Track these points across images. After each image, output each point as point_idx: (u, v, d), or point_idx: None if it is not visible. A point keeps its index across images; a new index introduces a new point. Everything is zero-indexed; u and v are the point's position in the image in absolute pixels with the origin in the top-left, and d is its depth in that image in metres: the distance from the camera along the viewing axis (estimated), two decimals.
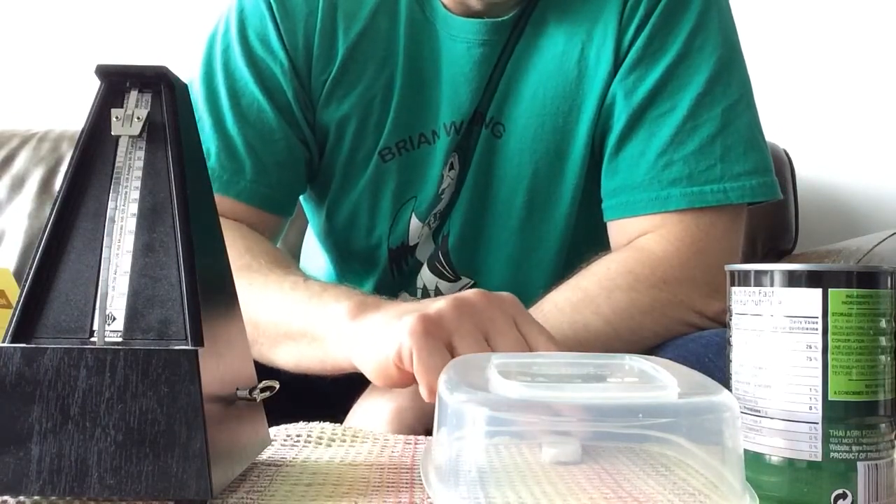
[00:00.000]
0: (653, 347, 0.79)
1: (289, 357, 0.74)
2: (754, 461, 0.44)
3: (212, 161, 0.87)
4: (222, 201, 0.83)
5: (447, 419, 0.41)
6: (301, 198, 1.00)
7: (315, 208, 1.00)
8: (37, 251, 0.42)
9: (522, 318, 0.63)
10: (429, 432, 0.54)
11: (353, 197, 0.94)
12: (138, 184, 0.43)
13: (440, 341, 0.59)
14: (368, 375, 0.64)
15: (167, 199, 0.43)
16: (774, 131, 1.46)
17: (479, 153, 0.90)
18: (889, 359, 0.45)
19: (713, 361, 0.70)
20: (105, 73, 0.44)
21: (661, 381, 0.43)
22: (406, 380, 0.61)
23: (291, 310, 0.74)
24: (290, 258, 0.89)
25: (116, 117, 0.43)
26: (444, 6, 0.88)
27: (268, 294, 0.76)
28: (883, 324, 0.44)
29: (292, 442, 0.56)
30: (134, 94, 0.44)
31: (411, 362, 0.58)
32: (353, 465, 0.51)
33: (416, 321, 0.59)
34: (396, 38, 0.88)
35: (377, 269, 0.96)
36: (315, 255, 1.05)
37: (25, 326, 0.42)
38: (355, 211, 0.94)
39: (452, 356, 0.58)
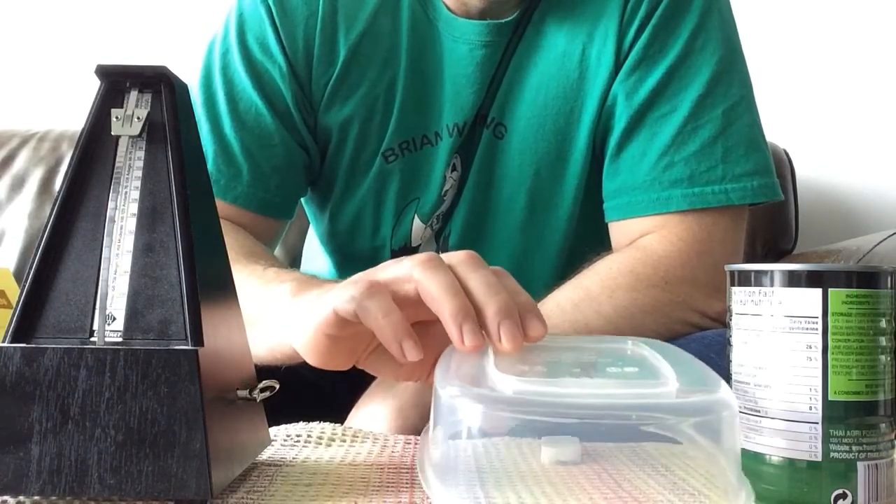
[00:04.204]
0: None
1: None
2: (754, 461, 0.44)
3: (209, 165, 0.87)
4: (219, 205, 0.82)
5: (442, 415, 0.41)
6: (302, 200, 0.99)
7: (317, 211, 1.00)
8: (37, 251, 0.42)
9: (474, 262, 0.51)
10: None
11: (357, 199, 0.93)
12: (138, 184, 0.43)
13: (387, 294, 0.50)
14: (303, 355, 0.55)
15: (167, 199, 0.43)
16: (774, 131, 1.46)
17: (481, 154, 0.90)
18: (889, 359, 0.45)
19: (715, 361, 0.70)
20: (105, 73, 0.44)
21: (660, 376, 0.43)
22: (336, 351, 0.53)
23: (247, 297, 0.71)
24: (264, 249, 0.86)
25: (116, 117, 0.43)
26: (447, 7, 0.88)
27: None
28: (883, 324, 0.44)
29: (292, 442, 0.56)
30: (134, 94, 0.44)
31: (345, 322, 0.50)
32: (353, 465, 0.51)
33: (361, 281, 0.50)
34: (399, 40, 0.88)
35: None
36: (317, 256, 1.05)
37: (25, 326, 0.42)
38: (359, 213, 0.94)
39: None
